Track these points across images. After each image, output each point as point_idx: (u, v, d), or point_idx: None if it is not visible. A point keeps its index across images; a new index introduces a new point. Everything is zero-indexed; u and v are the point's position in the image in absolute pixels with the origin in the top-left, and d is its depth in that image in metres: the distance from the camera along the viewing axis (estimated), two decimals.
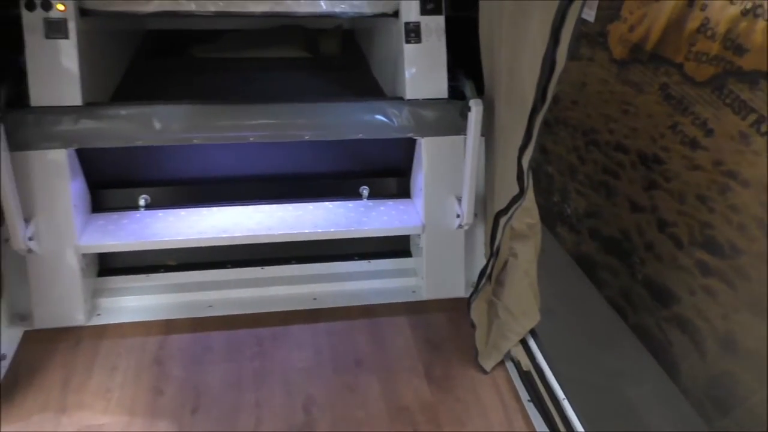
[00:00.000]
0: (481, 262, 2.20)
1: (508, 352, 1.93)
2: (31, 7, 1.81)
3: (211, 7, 1.97)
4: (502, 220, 1.80)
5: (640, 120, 2.48)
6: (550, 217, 3.14)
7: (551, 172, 3.07)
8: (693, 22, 2.30)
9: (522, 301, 1.89)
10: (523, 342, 1.93)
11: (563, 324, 2.57)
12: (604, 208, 2.69)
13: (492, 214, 1.89)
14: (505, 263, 1.93)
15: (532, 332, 1.92)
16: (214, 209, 2.14)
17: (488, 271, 1.91)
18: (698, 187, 2.29)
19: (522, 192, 1.70)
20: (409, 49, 2.05)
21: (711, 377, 2.27)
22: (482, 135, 2.01)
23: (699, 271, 2.31)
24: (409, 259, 2.33)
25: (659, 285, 2.52)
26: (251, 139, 1.97)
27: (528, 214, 1.85)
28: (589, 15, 2.48)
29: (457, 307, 2.13)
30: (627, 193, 2.56)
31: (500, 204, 1.81)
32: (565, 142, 2.89)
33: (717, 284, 2.23)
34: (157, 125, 1.88)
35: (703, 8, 2.26)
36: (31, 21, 1.81)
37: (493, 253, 1.88)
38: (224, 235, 2.03)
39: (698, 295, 2.31)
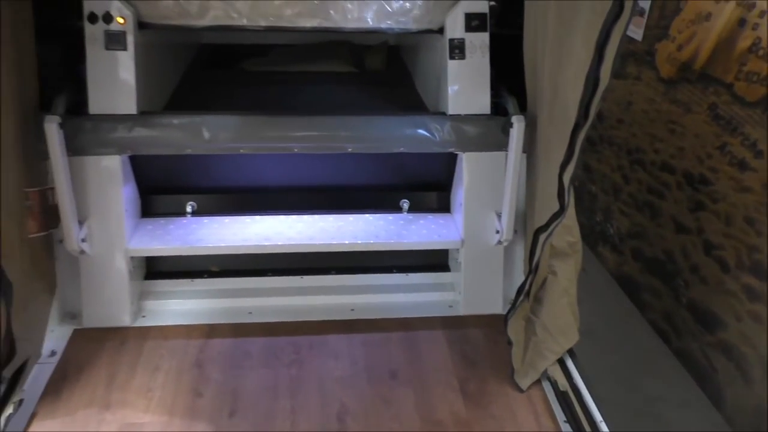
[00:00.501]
0: (519, 279, 2.18)
1: (545, 371, 1.90)
2: (93, 20, 1.90)
3: (262, 22, 2.03)
4: (542, 237, 1.79)
5: (688, 140, 2.43)
6: (592, 236, 3.09)
7: (594, 191, 3.03)
8: (744, 42, 2.25)
9: (560, 320, 1.87)
10: (561, 361, 1.90)
11: (603, 345, 2.53)
12: (648, 228, 2.64)
13: (532, 230, 1.88)
14: (544, 281, 1.91)
15: (571, 352, 1.89)
16: (257, 218, 2.19)
17: (526, 287, 1.89)
18: (746, 210, 2.23)
19: (562, 209, 1.69)
20: (452, 65, 2.07)
21: (757, 406, 2.19)
22: (524, 151, 2.01)
23: (746, 296, 2.24)
24: (447, 273, 2.33)
25: (704, 309, 2.45)
26: (296, 150, 2.02)
27: (569, 232, 1.84)
28: (636, 33, 2.46)
29: (494, 324, 2.11)
30: (672, 213, 2.51)
31: (540, 221, 1.81)
32: (610, 161, 2.85)
33: (764, 310, 2.16)
34: (206, 135, 1.94)
35: (755, 27, 2.21)
36: (93, 33, 1.90)
37: (531, 270, 1.86)
38: (266, 244, 2.08)
39: (745, 321, 2.24)
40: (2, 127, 1.59)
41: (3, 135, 1.59)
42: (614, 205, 2.86)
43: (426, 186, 2.36)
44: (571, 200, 1.69)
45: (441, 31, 2.13)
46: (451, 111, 2.09)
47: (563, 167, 1.63)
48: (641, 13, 2.40)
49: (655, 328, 2.65)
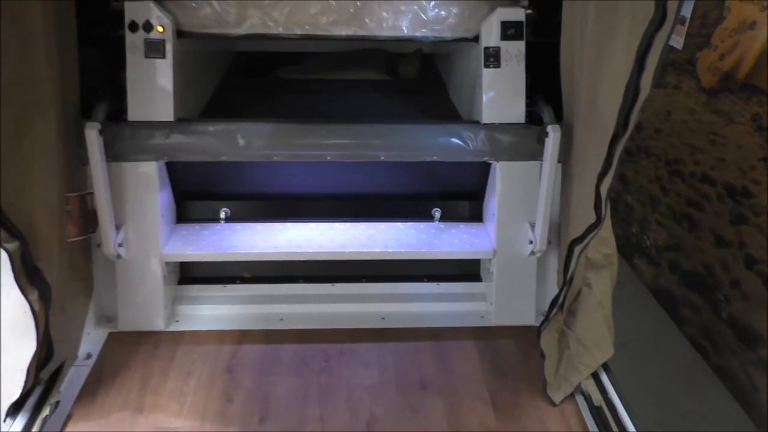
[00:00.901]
0: (553, 290, 2.15)
1: (579, 385, 1.87)
2: (133, 28, 1.94)
3: (298, 30, 2.05)
4: (577, 249, 1.76)
5: (729, 151, 2.37)
6: (627, 247, 3.03)
7: (630, 202, 2.98)
8: None
9: (595, 333, 1.83)
10: (595, 376, 1.86)
11: (639, 359, 2.47)
12: (687, 241, 2.58)
13: (567, 242, 1.85)
14: (579, 293, 1.88)
15: (605, 366, 1.86)
16: (290, 225, 2.21)
17: (560, 300, 1.86)
18: None
19: (599, 220, 1.65)
20: (487, 73, 2.06)
21: None
22: (559, 161, 1.98)
23: None
24: (478, 283, 2.31)
25: (745, 325, 2.37)
26: (329, 158, 2.02)
27: (604, 244, 1.80)
28: (677, 42, 2.40)
29: (527, 335, 2.09)
30: (712, 226, 2.45)
31: (575, 232, 1.77)
32: (647, 172, 2.79)
33: None
34: (241, 142, 1.96)
35: None
36: (133, 41, 1.94)
37: (566, 282, 1.83)
38: (298, 251, 2.09)
39: None
40: (45, 133, 1.63)
41: (46, 141, 1.63)
42: (651, 216, 2.80)
43: (458, 195, 2.35)
44: (607, 212, 1.66)
45: (476, 39, 2.11)
46: (485, 120, 2.07)
47: (600, 178, 1.60)
48: (682, 21, 2.34)
49: (693, 343, 2.58)
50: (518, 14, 2.05)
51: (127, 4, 1.94)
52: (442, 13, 2.06)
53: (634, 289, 2.94)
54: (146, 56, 1.95)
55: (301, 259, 2.12)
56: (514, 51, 2.05)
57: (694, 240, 2.53)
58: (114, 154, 1.91)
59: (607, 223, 1.71)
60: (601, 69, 1.60)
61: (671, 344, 2.64)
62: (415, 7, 2.05)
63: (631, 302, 2.84)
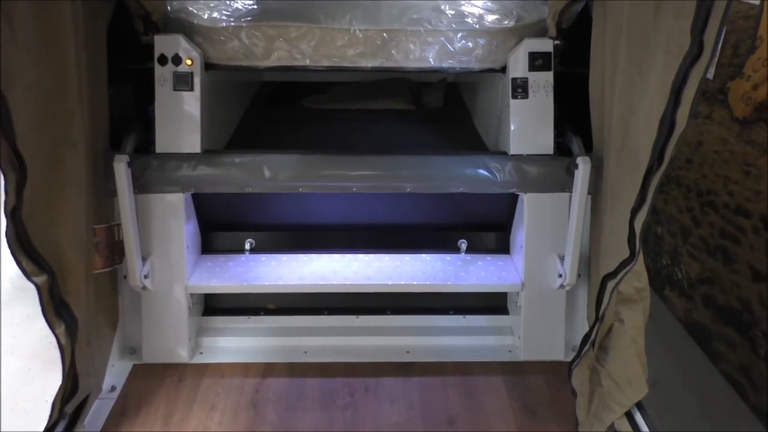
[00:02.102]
0: (582, 323, 2.10)
1: (612, 425, 1.80)
2: (163, 61, 1.97)
3: (325, 62, 2.06)
4: (610, 284, 1.71)
5: (765, 182, 2.31)
6: (658, 279, 2.96)
7: (660, 233, 2.91)
8: None
9: (628, 370, 1.78)
10: (629, 415, 1.79)
11: (673, 398, 2.39)
12: (721, 274, 2.50)
13: (598, 276, 1.80)
14: (610, 328, 1.83)
15: (639, 405, 1.79)
16: (314, 256, 2.19)
17: (592, 336, 1.81)
18: None
19: (633, 256, 1.61)
20: (515, 104, 2.04)
21: None
22: (588, 193, 1.95)
23: None
24: (506, 317, 2.27)
25: None
26: (354, 189, 2.01)
27: (636, 278, 1.76)
28: (708, 72, 2.36)
29: (556, 371, 2.03)
30: (748, 260, 2.37)
31: (608, 267, 1.73)
32: (678, 202, 2.74)
33: None
34: (267, 173, 1.96)
35: None
36: (162, 74, 1.97)
37: (598, 318, 1.78)
38: (322, 283, 2.07)
39: None
40: (75, 167, 1.64)
41: (76, 174, 1.64)
42: (683, 248, 2.73)
43: (484, 226, 2.32)
44: (641, 245, 1.62)
45: (503, 70, 2.10)
46: (512, 151, 2.05)
47: (634, 213, 1.56)
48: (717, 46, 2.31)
49: (730, 380, 2.48)
50: (546, 45, 2.03)
51: (157, 38, 1.97)
52: (470, 44, 2.06)
53: (666, 322, 2.86)
54: (174, 89, 1.97)
55: (326, 291, 2.10)
56: (542, 82, 2.03)
57: (729, 273, 2.46)
58: (141, 185, 1.92)
59: (639, 256, 1.66)
60: (634, 101, 1.58)
61: (707, 381, 2.55)
62: (442, 39, 2.04)
63: (663, 336, 2.75)
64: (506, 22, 2.11)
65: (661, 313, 2.92)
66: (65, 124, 1.60)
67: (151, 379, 1.96)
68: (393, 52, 2.05)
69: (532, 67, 2.03)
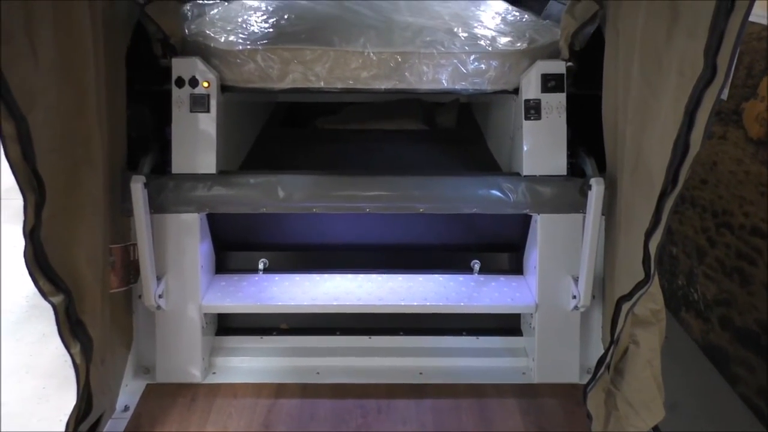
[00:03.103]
0: (597, 345, 2.08)
1: None
2: (180, 84, 2.00)
3: (339, 84, 2.08)
4: (625, 307, 1.70)
5: None
6: (673, 300, 2.93)
7: (675, 253, 2.89)
8: None
9: (644, 394, 1.75)
10: None
11: (690, 421, 2.35)
12: (738, 296, 2.47)
13: (612, 298, 1.79)
14: (626, 351, 1.81)
15: (656, 429, 1.77)
16: (327, 276, 2.20)
17: (607, 359, 1.79)
18: None
19: (648, 278, 1.60)
20: (528, 125, 2.05)
21: None
22: (602, 214, 1.94)
23: None
24: (520, 338, 2.25)
25: None
26: (367, 210, 2.02)
27: (652, 300, 1.74)
28: (722, 93, 2.35)
29: (571, 394, 2.01)
30: (765, 281, 2.35)
31: (622, 289, 1.72)
32: (693, 223, 2.71)
33: None
34: (281, 194, 1.98)
35: None
36: (179, 96, 2.00)
37: (613, 341, 1.76)
38: (335, 303, 2.07)
39: None
40: (93, 187, 1.67)
41: (94, 195, 1.67)
42: (698, 269, 2.71)
43: (497, 246, 2.31)
44: (656, 267, 1.61)
45: (516, 91, 2.11)
46: (525, 172, 2.05)
47: (649, 235, 1.55)
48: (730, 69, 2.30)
49: (749, 404, 2.44)
50: (559, 67, 2.04)
51: (174, 61, 2.00)
52: (482, 66, 2.07)
53: (682, 344, 2.82)
54: (191, 110, 2.00)
55: (339, 311, 2.10)
56: (555, 103, 2.04)
57: (746, 295, 2.42)
58: (157, 205, 1.94)
59: (655, 278, 1.65)
60: (647, 123, 1.58)
61: (725, 405, 2.51)
62: (455, 61, 2.06)
63: (680, 358, 2.72)
64: (519, 45, 2.13)
65: (677, 335, 2.88)
66: (84, 145, 1.63)
67: (164, 399, 1.96)
68: (406, 74, 2.06)
69: (545, 89, 2.04)
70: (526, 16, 2.70)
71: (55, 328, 1.57)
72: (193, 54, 2.03)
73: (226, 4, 2.88)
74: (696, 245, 2.75)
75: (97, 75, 1.65)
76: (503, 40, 2.19)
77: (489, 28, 2.39)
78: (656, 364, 1.76)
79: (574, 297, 2.01)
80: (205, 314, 2.06)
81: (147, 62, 2.03)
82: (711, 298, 2.68)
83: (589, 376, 1.93)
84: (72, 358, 1.60)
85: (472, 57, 2.06)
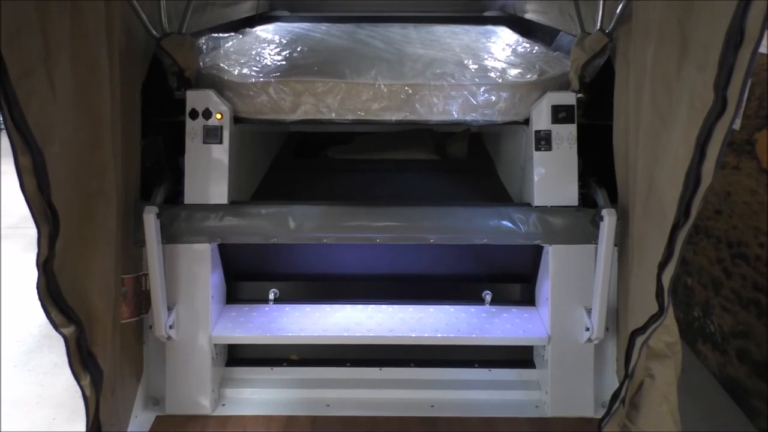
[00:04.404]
0: (611, 378, 2.05)
1: None
2: (194, 116, 2.03)
3: (350, 116, 2.10)
4: (639, 340, 1.68)
5: None
6: (690, 332, 2.88)
7: (691, 284, 2.85)
8: None
9: (661, 429, 1.72)
10: None
11: None
12: (756, 328, 2.43)
13: (626, 331, 1.77)
14: (641, 385, 1.78)
15: None
16: (338, 306, 2.19)
17: (622, 393, 1.76)
18: None
19: (662, 311, 1.58)
20: (538, 156, 2.05)
21: None
22: (615, 244, 1.92)
23: None
24: (532, 370, 2.21)
25: None
26: (378, 240, 2.02)
27: (667, 332, 1.72)
28: (735, 123, 2.35)
29: (585, 428, 1.98)
30: None
31: (636, 322, 1.70)
32: (707, 253, 2.68)
33: None
34: (292, 224, 1.98)
35: None
36: (193, 128, 2.03)
37: (627, 375, 1.73)
38: (345, 334, 2.06)
39: None
40: (107, 218, 1.68)
41: (107, 226, 1.68)
42: (714, 300, 2.67)
43: (509, 277, 2.29)
44: (670, 301, 1.58)
45: (526, 122, 2.12)
46: (536, 202, 2.05)
47: (662, 267, 1.54)
48: (741, 101, 2.29)
49: None
50: (569, 98, 2.05)
51: (189, 93, 2.04)
52: (492, 97, 2.08)
53: (699, 377, 2.76)
54: (204, 142, 2.02)
55: (349, 342, 2.08)
56: (566, 134, 2.04)
57: (764, 327, 2.38)
58: (169, 235, 1.95)
59: (669, 310, 1.63)
60: (659, 154, 1.57)
61: None
62: (465, 93, 2.08)
63: (697, 392, 2.66)
64: (529, 76, 2.14)
65: (694, 368, 2.83)
66: (98, 177, 1.65)
67: (174, 430, 1.94)
68: (417, 105, 2.08)
69: (556, 120, 2.04)
70: (536, 47, 2.72)
71: (66, 358, 1.57)
72: (207, 86, 2.07)
73: (241, 36, 2.94)
74: (711, 276, 2.72)
75: (113, 107, 1.68)
76: (513, 71, 2.20)
77: (499, 60, 2.41)
78: (673, 399, 1.72)
79: (588, 329, 1.98)
80: (216, 345, 2.06)
81: (162, 94, 2.06)
82: (728, 330, 2.63)
83: (603, 410, 1.90)
84: (82, 389, 1.59)
85: (483, 89, 2.07)
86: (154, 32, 1.98)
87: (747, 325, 2.49)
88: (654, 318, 1.61)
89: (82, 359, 1.58)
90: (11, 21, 1.30)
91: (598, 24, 2.02)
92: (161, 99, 2.07)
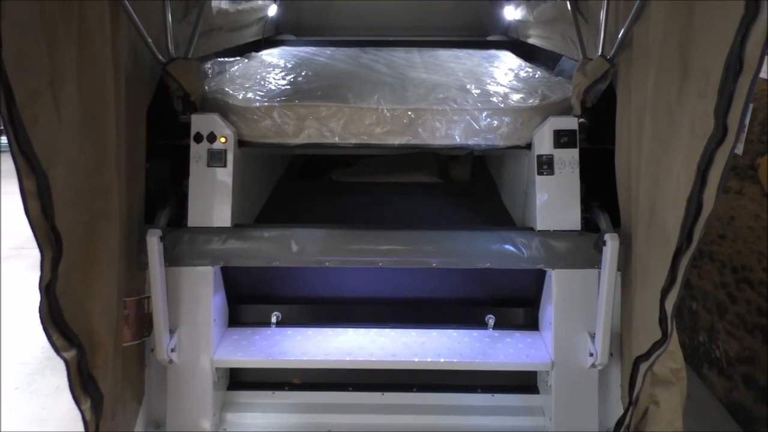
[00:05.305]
0: (616, 404, 2.02)
1: None
2: (198, 139, 2.04)
3: (353, 140, 2.11)
4: (643, 367, 1.66)
5: None
6: (695, 357, 2.85)
7: (696, 308, 2.83)
8: None
9: None
10: None
11: None
12: (761, 354, 2.41)
13: (630, 357, 1.75)
14: (645, 411, 1.76)
15: None
16: (340, 330, 2.18)
17: (626, 421, 1.74)
18: None
19: (666, 337, 1.57)
20: (541, 180, 2.05)
21: None
22: (618, 269, 1.92)
23: None
24: (536, 396, 2.19)
25: None
26: (380, 264, 2.02)
27: (671, 358, 1.71)
28: (737, 147, 2.35)
29: None
30: None
31: (639, 348, 1.68)
32: (712, 277, 2.67)
33: None
34: (294, 247, 1.98)
35: None
36: (197, 151, 2.04)
37: (631, 401, 1.72)
38: (347, 359, 2.04)
39: None
40: (110, 241, 1.69)
41: (110, 248, 1.69)
42: (719, 324, 2.65)
43: (512, 301, 2.28)
44: (674, 327, 1.57)
45: (528, 146, 2.13)
46: (539, 227, 2.04)
47: (665, 293, 1.53)
48: (741, 127, 2.30)
49: None
50: (571, 123, 2.06)
51: (194, 117, 2.06)
52: (495, 122, 2.09)
53: (705, 403, 2.73)
54: (208, 165, 2.04)
55: (351, 367, 2.07)
56: (568, 158, 2.04)
57: None
58: (172, 258, 1.95)
59: (673, 336, 1.62)
60: (660, 179, 1.58)
61: None
62: (468, 117, 2.09)
63: (703, 417, 2.63)
64: (531, 101, 2.16)
65: (700, 393, 2.80)
66: (102, 200, 1.65)
67: None
68: (419, 130, 2.09)
69: (558, 144, 2.05)
70: (538, 72, 2.75)
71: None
72: (212, 110, 2.09)
73: (246, 61, 2.97)
74: (716, 301, 2.70)
75: (118, 131, 1.70)
76: (516, 96, 2.22)
77: (502, 85, 2.43)
78: (678, 425, 1.71)
79: (591, 354, 1.97)
80: (217, 368, 2.05)
81: (167, 118, 2.08)
82: (734, 356, 2.61)
83: None
84: (82, 413, 1.59)
85: (485, 113, 2.09)
86: (161, 57, 2.01)
87: (752, 350, 2.47)
88: (658, 344, 1.60)
89: (83, 383, 1.58)
90: (18, 44, 1.32)
91: (600, 50, 2.04)
92: (166, 122, 2.09)
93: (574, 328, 2.01)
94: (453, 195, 2.87)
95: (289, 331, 2.17)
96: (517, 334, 2.18)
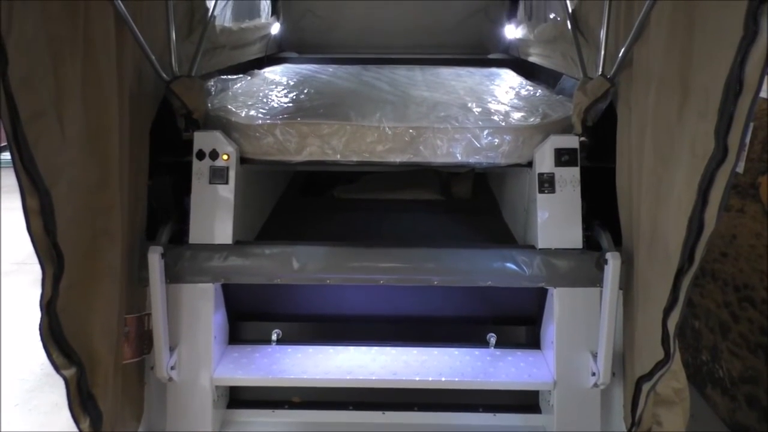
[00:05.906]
0: (619, 424, 2.00)
1: None
2: (201, 156, 2.05)
3: (354, 158, 2.12)
4: (645, 387, 1.65)
5: None
6: (698, 376, 2.83)
7: (698, 327, 2.82)
8: None
9: None
10: None
11: None
12: (764, 373, 2.39)
13: (633, 377, 1.74)
14: None
15: None
16: (340, 348, 2.16)
17: None
18: None
19: (668, 357, 1.56)
20: (542, 198, 2.05)
21: None
22: (620, 288, 1.91)
23: None
24: (538, 415, 2.17)
25: None
26: (381, 281, 2.01)
27: (674, 378, 1.70)
28: (738, 166, 2.35)
29: None
30: None
31: (642, 368, 1.67)
32: (714, 296, 2.66)
33: None
34: (296, 265, 1.98)
35: None
36: (200, 168, 2.05)
37: (635, 422, 1.71)
38: (348, 377, 2.03)
39: None
40: (112, 258, 1.69)
41: (112, 265, 1.69)
42: (722, 344, 2.63)
43: (514, 319, 2.27)
44: (676, 346, 1.57)
45: (530, 165, 2.13)
46: (541, 245, 2.04)
47: (667, 312, 1.52)
48: (742, 146, 2.31)
49: None
50: (572, 141, 2.07)
51: (196, 134, 2.07)
52: (496, 140, 2.10)
53: (709, 423, 2.71)
54: (210, 182, 2.04)
55: (352, 386, 2.06)
56: (569, 177, 2.05)
57: None
58: (173, 275, 1.95)
59: (676, 355, 1.61)
60: (661, 199, 1.58)
61: None
62: (469, 135, 2.10)
63: None
64: (532, 120, 2.17)
65: (703, 413, 2.77)
66: (104, 217, 1.66)
67: None
68: (421, 147, 2.10)
69: (559, 163, 2.05)
70: (539, 90, 2.76)
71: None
72: (215, 127, 2.10)
73: (249, 78, 2.99)
74: (719, 320, 2.69)
75: (121, 149, 1.70)
76: (516, 115, 2.23)
77: (503, 103, 2.45)
78: None
79: (594, 374, 1.95)
80: (217, 387, 2.04)
81: (170, 135, 2.09)
82: (737, 375, 2.59)
83: None
84: None
85: (486, 132, 2.10)
86: (164, 75, 2.02)
87: (755, 370, 2.45)
88: (660, 364, 1.59)
89: (82, 401, 1.57)
90: (23, 63, 1.33)
91: (600, 69, 2.05)
92: (169, 139, 2.10)
93: (576, 347, 2.00)
94: (454, 212, 2.88)
95: (290, 349, 2.16)
96: (518, 352, 2.17)
